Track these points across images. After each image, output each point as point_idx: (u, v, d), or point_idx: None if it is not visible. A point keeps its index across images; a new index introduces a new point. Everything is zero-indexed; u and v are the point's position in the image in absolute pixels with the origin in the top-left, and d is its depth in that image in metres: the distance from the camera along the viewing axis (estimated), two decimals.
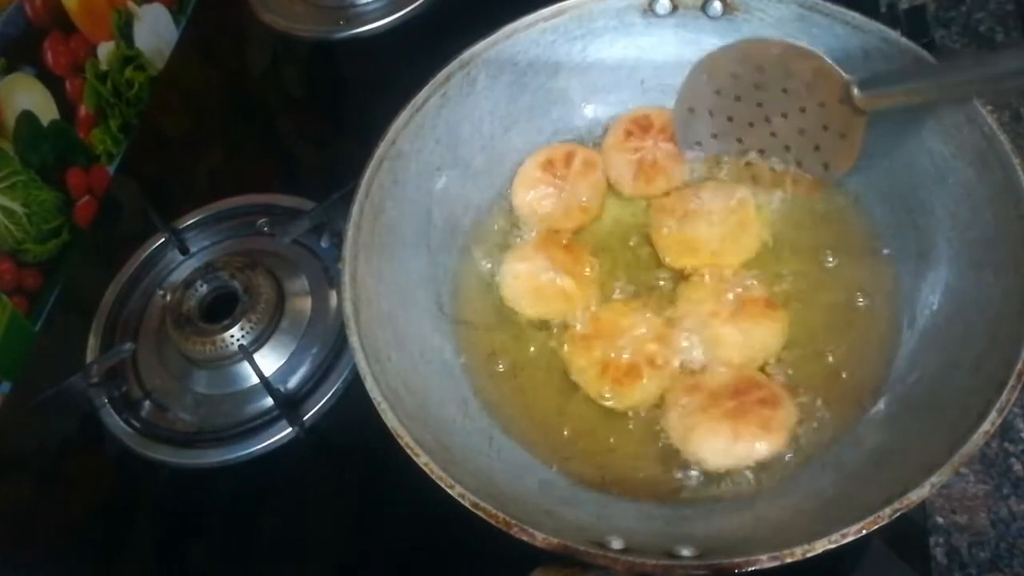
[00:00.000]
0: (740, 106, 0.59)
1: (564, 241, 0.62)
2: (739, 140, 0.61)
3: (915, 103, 0.54)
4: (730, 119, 0.60)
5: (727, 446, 0.51)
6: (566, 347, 0.58)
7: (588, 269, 0.61)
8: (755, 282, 0.58)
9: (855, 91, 0.53)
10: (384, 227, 0.58)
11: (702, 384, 0.54)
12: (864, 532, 0.41)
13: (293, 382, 0.66)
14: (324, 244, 0.72)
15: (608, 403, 0.55)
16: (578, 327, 0.58)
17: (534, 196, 0.64)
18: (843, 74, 0.54)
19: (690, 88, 0.61)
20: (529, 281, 0.60)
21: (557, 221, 0.63)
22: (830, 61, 0.54)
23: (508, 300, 0.60)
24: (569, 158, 0.64)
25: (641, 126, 0.64)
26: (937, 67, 0.54)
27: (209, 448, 0.65)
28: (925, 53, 0.54)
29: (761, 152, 0.60)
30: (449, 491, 0.45)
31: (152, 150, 0.89)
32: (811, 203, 0.61)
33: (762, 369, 0.55)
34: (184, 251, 0.77)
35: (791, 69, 0.56)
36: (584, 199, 0.64)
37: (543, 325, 0.60)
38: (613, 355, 0.56)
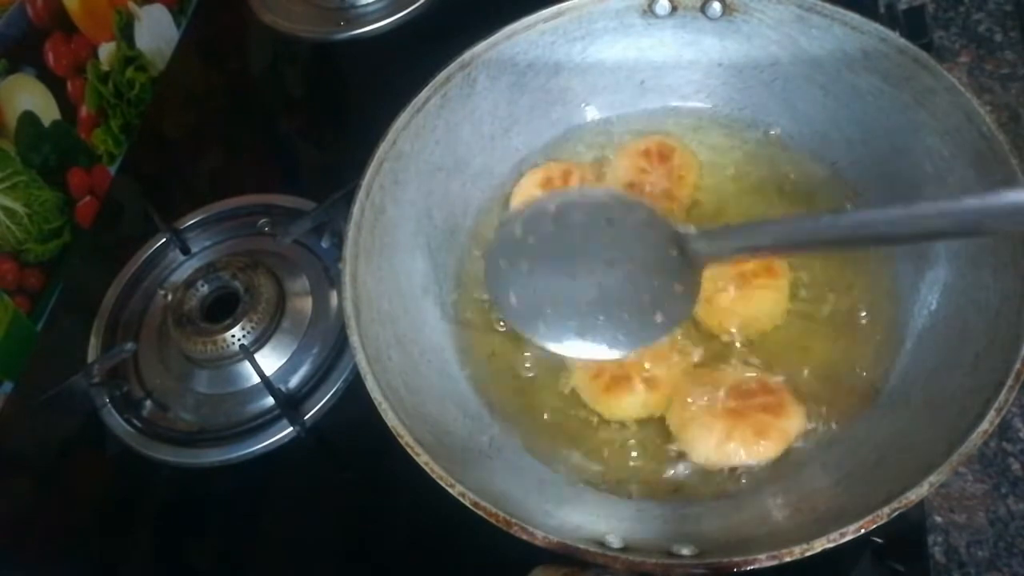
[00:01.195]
0: (560, 258, 0.53)
1: None
2: (561, 291, 0.52)
3: (752, 258, 0.53)
4: (549, 270, 0.53)
5: (718, 444, 0.51)
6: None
7: None
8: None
9: (689, 245, 0.50)
10: (385, 227, 0.58)
11: (712, 379, 0.54)
12: (863, 531, 0.41)
13: (294, 382, 0.66)
14: (325, 244, 0.72)
15: (599, 411, 0.56)
16: None
17: None
18: (675, 227, 0.51)
19: (502, 238, 0.55)
20: None
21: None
22: (659, 213, 0.51)
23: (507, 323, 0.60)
24: (567, 177, 0.64)
25: (662, 153, 0.64)
26: (775, 227, 0.50)
27: (210, 448, 0.65)
28: (924, 54, 0.54)
29: (589, 305, 0.52)
30: (449, 490, 0.45)
31: (153, 150, 0.90)
32: (810, 204, 0.61)
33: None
34: (185, 251, 0.77)
35: (617, 218, 0.52)
36: None
37: None
38: (608, 363, 0.56)
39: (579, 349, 0.51)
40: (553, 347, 0.51)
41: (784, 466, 0.52)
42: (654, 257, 0.52)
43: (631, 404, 0.55)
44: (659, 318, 0.51)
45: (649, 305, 0.51)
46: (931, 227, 0.43)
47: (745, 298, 0.56)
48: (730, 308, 0.57)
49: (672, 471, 0.53)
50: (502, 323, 0.60)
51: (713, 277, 0.57)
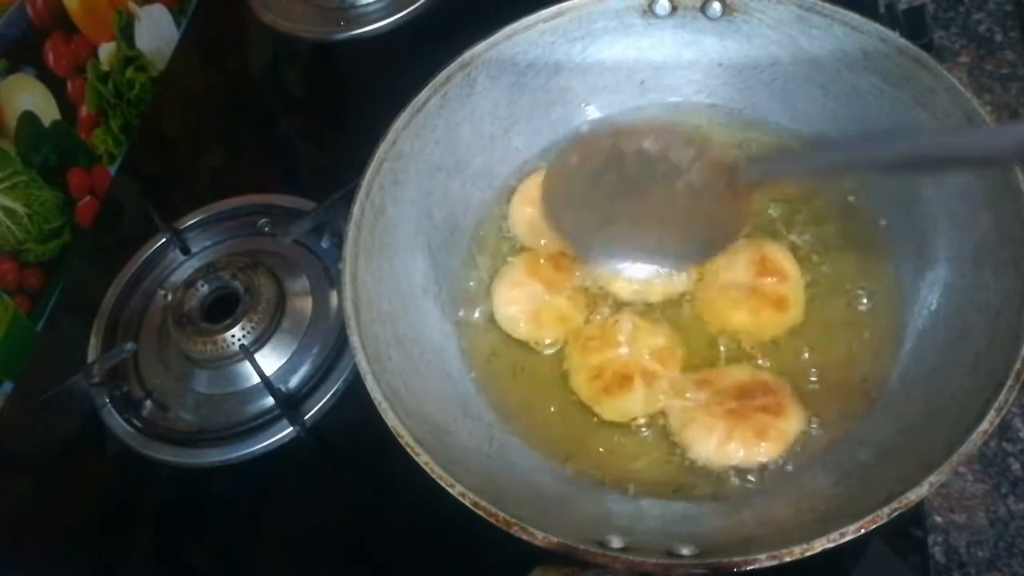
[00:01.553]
0: (614, 183, 0.57)
1: (550, 258, 0.61)
2: (619, 214, 0.57)
3: (798, 180, 0.57)
4: (605, 195, 0.57)
5: (718, 445, 0.52)
6: (565, 350, 0.58)
7: (580, 283, 0.60)
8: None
9: (739, 171, 0.54)
10: (385, 227, 0.58)
11: (712, 380, 0.54)
12: (863, 531, 0.41)
13: (294, 382, 0.66)
14: (325, 244, 0.72)
15: (599, 411, 0.55)
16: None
17: (533, 213, 0.63)
18: (726, 157, 0.55)
19: (559, 165, 0.60)
20: (527, 306, 0.59)
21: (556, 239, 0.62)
22: (709, 144, 0.55)
23: (506, 328, 0.60)
24: None
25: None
26: (819, 151, 0.56)
27: (210, 448, 0.65)
28: (924, 54, 0.54)
29: (636, 225, 0.56)
30: (449, 490, 0.45)
31: (153, 150, 0.90)
32: (810, 204, 0.61)
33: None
34: (185, 251, 0.77)
35: (671, 148, 0.56)
36: None
37: None
38: (608, 364, 0.56)
39: (636, 267, 0.57)
40: (610, 264, 0.58)
41: (784, 467, 0.52)
42: (705, 184, 0.55)
43: (631, 404, 0.55)
44: (710, 239, 0.55)
45: (702, 227, 0.55)
46: (957, 151, 0.45)
47: (752, 315, 0.56)
48: (736, 317, 0.57)
49: (672, 471, 0.53)
50: (512, 326, 0.60)
51: (723, 285, 0.57)
